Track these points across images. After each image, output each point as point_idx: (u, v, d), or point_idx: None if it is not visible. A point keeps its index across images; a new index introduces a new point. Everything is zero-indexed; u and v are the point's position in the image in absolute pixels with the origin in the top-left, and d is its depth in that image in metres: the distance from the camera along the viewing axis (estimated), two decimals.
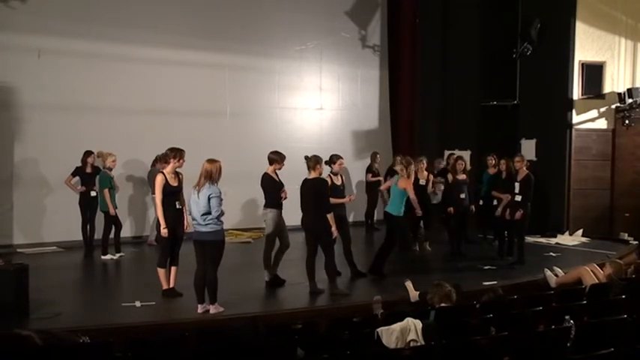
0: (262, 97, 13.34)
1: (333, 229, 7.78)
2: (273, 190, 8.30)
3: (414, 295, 7.04)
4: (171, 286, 7.72)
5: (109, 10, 11.55)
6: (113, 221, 10.12)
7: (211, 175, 6.94)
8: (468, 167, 10.89)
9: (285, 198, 8.36)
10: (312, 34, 13.83)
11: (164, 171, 7.66)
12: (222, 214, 6.96)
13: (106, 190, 9.94)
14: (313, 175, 7.87)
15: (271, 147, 8.76)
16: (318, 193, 7.80)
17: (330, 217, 7.74)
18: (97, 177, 10.14)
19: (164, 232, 7.51)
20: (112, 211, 10.00)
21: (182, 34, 12.13)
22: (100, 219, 10.30)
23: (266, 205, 8.38)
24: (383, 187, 10.25)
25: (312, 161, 7.88)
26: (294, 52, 13.67)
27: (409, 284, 7.19)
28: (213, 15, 12.62)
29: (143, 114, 11.89)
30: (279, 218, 8.34)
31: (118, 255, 10.17)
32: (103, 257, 10.05)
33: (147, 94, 11.98)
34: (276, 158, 8.35)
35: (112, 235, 10.20)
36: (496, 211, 10.22)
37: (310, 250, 7.95)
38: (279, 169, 8.39)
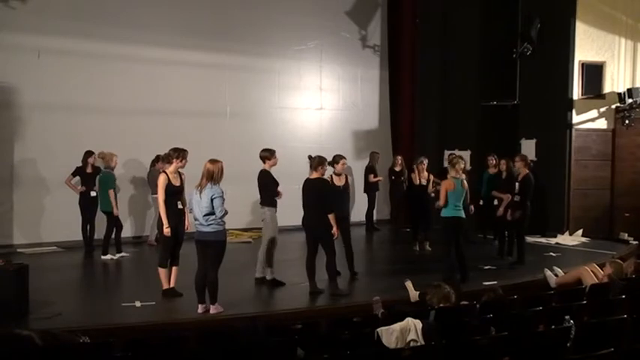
0: (262, 97, 13.34)
1: (334, 229, 7.77)
2: (271, 186, 8.28)
3: (413, 295, 7.03)
4: (172, 286, 7.73)
5: (109, 11, 11.54)
6: (114, 221, 10.12)
7: (213, 175, 6.94)
8: (468, 167, 10.88)
9: (280, 197, 8.34)
10: (312, 34, 13.83)
11: (167, 171, 7.68)
12: (225, 213, 6.97)
13: (111, 191, 9.95)
14: (315, 175, 7.86)
15: (271, 147, 8.69)
16: (320, 193, 7.79)
17: (331, 217, 7.74)
18: (99, 177, 10.14)
19: (167, 231, 7.52)
20: (115, 211, 10.01)
21: (182, 35, 12.13)
22: (99, 219, 10.30)
23: (263, 204, 8.35)
24: (442, 200, 8.51)
25: (316, 161, 7.86)
26: (294, 52, 13.67)
27: (409, 284, 7.19)
28: (214, 15, 12.62)
29: (143, 114, 11.89)
30: (275, 216, 8.34)
31: (118, 255, 10.17)
32: (103, 257, 10.05)
33: (147, 94, 11.98)
34: (268, 155, 8.34)
35: (112, 235, 10.20)
36: (497, 211, 10.24)
37: (310, 250, 7.94)
38: (274, 164, 8.37)
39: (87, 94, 11.39)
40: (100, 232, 10.25)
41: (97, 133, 11.17)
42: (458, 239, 8.62)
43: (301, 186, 7.95)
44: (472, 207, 10.74)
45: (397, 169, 12.90)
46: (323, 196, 7.81)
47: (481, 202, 11.22)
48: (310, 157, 7.98)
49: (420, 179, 10.94)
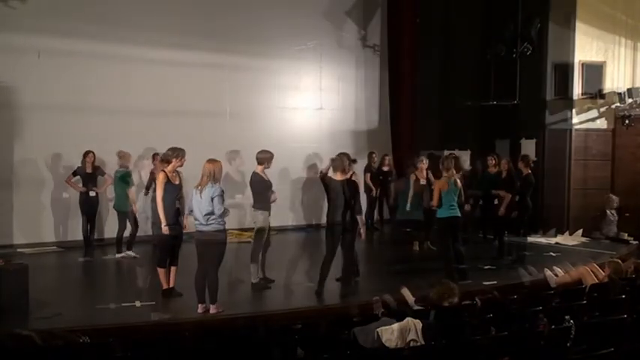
0: (262, 97, 13.31)
1: (362, 230, 7.82)
2: (263, 189, 8.24)
3: (411, 301, 7.00)
4: (171, 285, 7.73)
5: (109, 11, 11.52)
6: (131, 220, 10.14)
7: (213, 175, 6.95)
8: (468, 167, 10.89)
9: (274, 200, 8.30)
10: (312, 34, 13.80)
11: (166, 170, 7.70)
12: (226, 212, 6.96)
13: (130, 190, 10.04)
14: (341, 176, 7.79)
15: (271, 147, 8.68)
16: (352, 194, 7.74)
17: (359, 218, 7.74)
18: (117, 176, 10.15)
19: (165, 229, 7.52)
20: (135, 208, 10.11)
21: (182, 34, 12.10)
22: (100, 218, 10.30)
23: (256, 207, 8.28)
24: (435, 200, 8.54)
25: (339, 161, 7.83)
26: (294, 52, 13.64)
27: (406, 291, 7.14)
28: (213, 15, 12.59)
29: (143, 114, 11.85)
30: (268, 220, 8.29)
31: (129, 253, 10.14)
32: (118, 255, 10.07)
33: (147, 94, 11.95)
34: (266, 157, 8.29)
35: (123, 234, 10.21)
36: (498, 211, 10.25)
37: (330, 252, 7.83)
38: (268, 167, 8.34)
39: (87, 94, 11.36)
40: (100, 232, 10.23)
41: (96, 133, 11.15)
42: (455, 239, 8.63)
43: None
44: (468, 205, 10.73)
45: (385, 168, 12.85)
46: (354, 197, 7.77)
47: (481, 202, 11.21)
48: (341, 155, 7.93)
49: (420, 178, 10.93)
